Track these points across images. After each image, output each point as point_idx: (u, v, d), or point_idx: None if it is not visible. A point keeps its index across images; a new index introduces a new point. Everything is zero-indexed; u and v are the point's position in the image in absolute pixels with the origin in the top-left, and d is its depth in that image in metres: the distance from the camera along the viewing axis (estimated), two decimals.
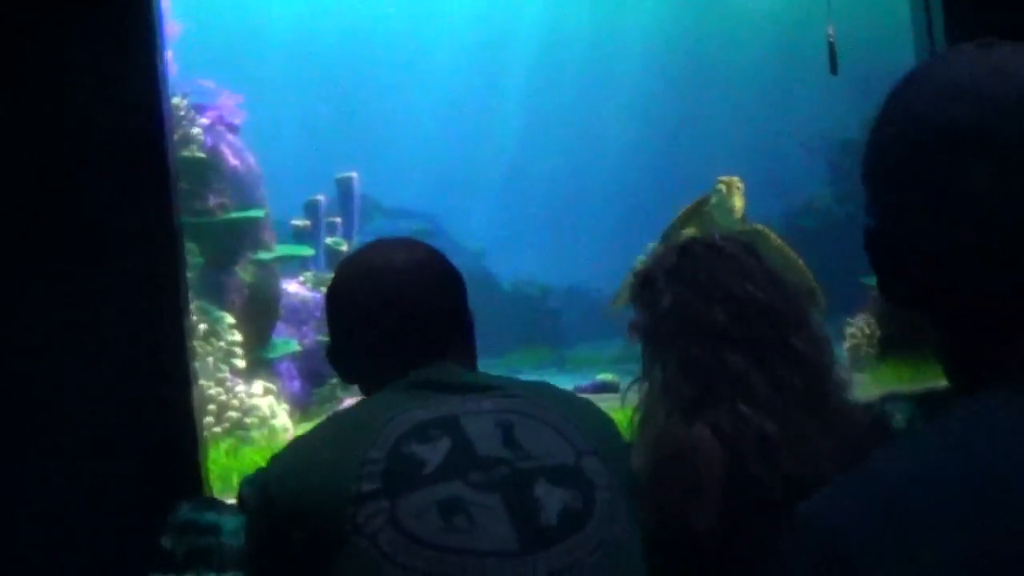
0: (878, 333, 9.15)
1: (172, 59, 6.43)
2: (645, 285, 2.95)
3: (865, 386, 7.00)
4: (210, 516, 4.23)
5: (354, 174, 12.12)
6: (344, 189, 12.04)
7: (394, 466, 2.06)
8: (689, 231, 8.60)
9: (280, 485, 2.11)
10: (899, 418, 4.88)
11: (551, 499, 2.08)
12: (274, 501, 2.10)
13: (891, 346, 8.69)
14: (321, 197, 11.51)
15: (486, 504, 2.04)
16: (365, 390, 2.40)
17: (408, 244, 2.46)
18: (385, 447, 2.09)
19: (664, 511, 2.65)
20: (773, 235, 8.88)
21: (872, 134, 1.42)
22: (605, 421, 2.35)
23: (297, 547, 2.05)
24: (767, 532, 1.41)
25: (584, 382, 11.11)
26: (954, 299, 1.35)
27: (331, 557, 2.01)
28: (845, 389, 2.87)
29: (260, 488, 2.16)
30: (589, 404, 2.41)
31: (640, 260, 9.00)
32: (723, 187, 8.42)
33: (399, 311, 2.32)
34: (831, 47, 6.24)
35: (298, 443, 2.25)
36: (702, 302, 2.80)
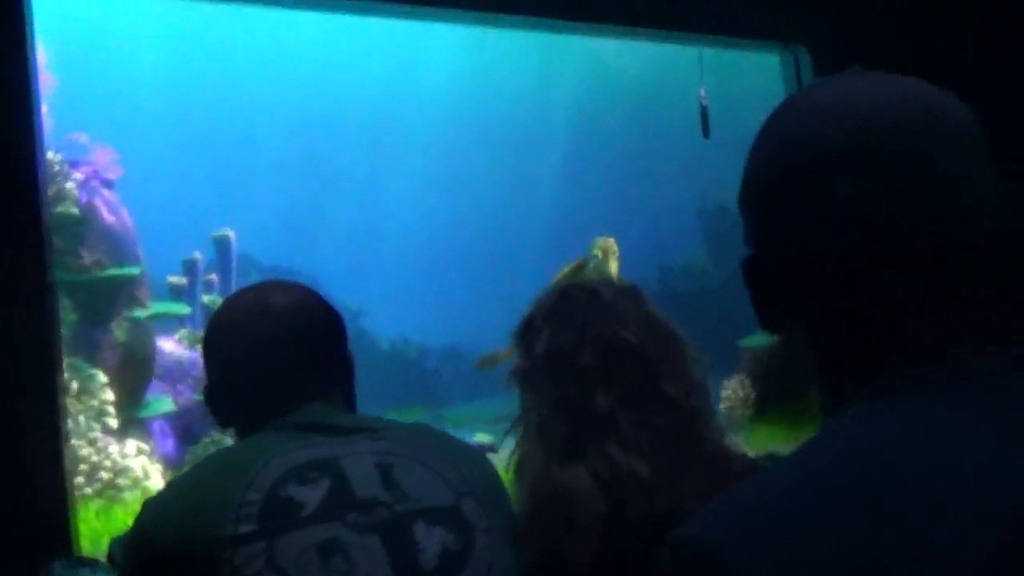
0: (752, 395, 9.27)
1: (47, 113, 6.35)
2: (524, 329, 2.97)
3: (741, 448, 7.04)
4: (84, 573, 4.15)
5: (231, 232, 12.05)
6: (221, 247, 11.96)
7: (272, 507, 2.04)
8: None
9: (157, 525, 2.08)
10: None
11: (430, 541, 2.09)
12: (151, 541, 2.07)
13: (765, 408, 8.80)
14: (198, 255, 11.42)
15: (365, 546, 2.04)
16: (242, 432, 2.38)
17: (286, 285, 2.45)
18: (263, 488, 2.06)
19: (542, 553, 2.65)
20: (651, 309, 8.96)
21: (747, 165, 1.47)
22: (484, 464, 2.36)
23: None
24: (641, 568, 1.42)
25: None
26: (825, 315, 1.38)
27: None
28: (722, 433, 2.90)
29: (138, 528, 2.12)
30: (468, 447, 2.44)
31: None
32: (599, 252, 8.50)
33: (276, 351, 2.31)
34: (704, 111, 6.33)
35: (175, 484, 2.21)
36: (574, 344, 2.82)
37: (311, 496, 2.08)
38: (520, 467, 2.92)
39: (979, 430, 1.21)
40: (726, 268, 17.32)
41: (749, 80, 8.82)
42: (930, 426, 1.22)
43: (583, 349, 2.81)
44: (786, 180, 1.38)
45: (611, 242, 8.57)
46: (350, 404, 2.43)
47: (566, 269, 8.85)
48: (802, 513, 1.18)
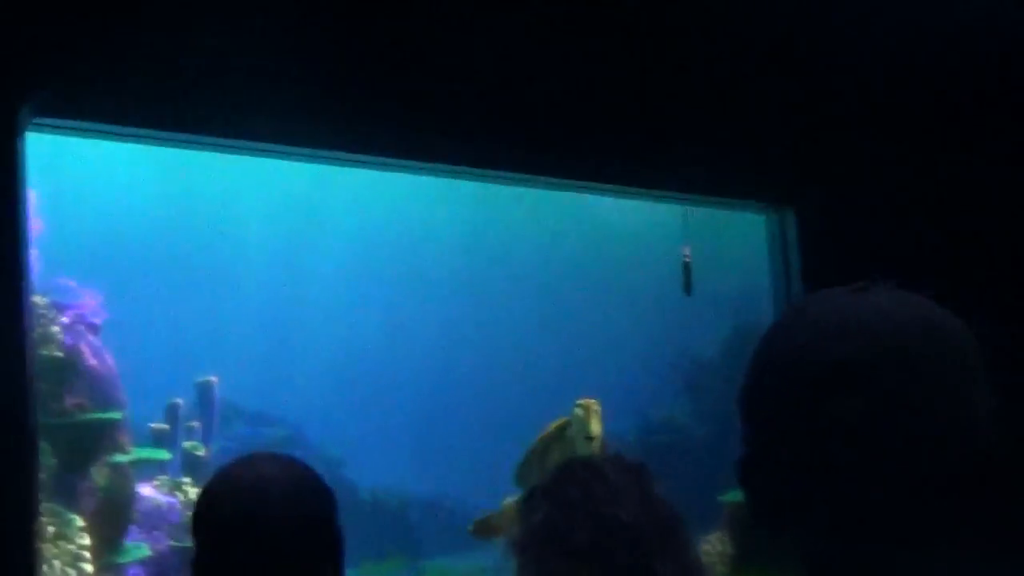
0: (730, 550, 9.21)
1: (36, 256, 6.39)
2: (525, 501, 2.97)
3: None
4: None
5: (214, 378, 12.03)
6: (204, 393, 11.92)
7: None
8: (553, 455, 8.64)
9: None
10: None
11: None
12: None
13: (744, 564, 8.75)
14: (180, 401, 11.38)
15: None
16: None
17: (276, 459, 2.43)
18: None
19: None
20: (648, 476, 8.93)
21: (752, 366, 1.48)
22: None
23: None
24: None
25: None
26: (823, 521, 1.39)
27: None
28: None
29: None
30: None
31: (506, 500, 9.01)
32: (581, 411, 8.48)
33: (264, 528, 2.29)
34: (686, 268, 6.39)
35: None
36: (568, 521, 2.81)
37: None
38: None
39: None
40: (707, 422, 17.30)
41: (732, 238, 8.90)
42: None
43: (576, 526, 2.80)
44: (781, 396, 1.41)
45: (593, 402, 8.54)
46: None
47: (550, 428, 8.82)
48: None
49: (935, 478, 1.32)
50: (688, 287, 6.39)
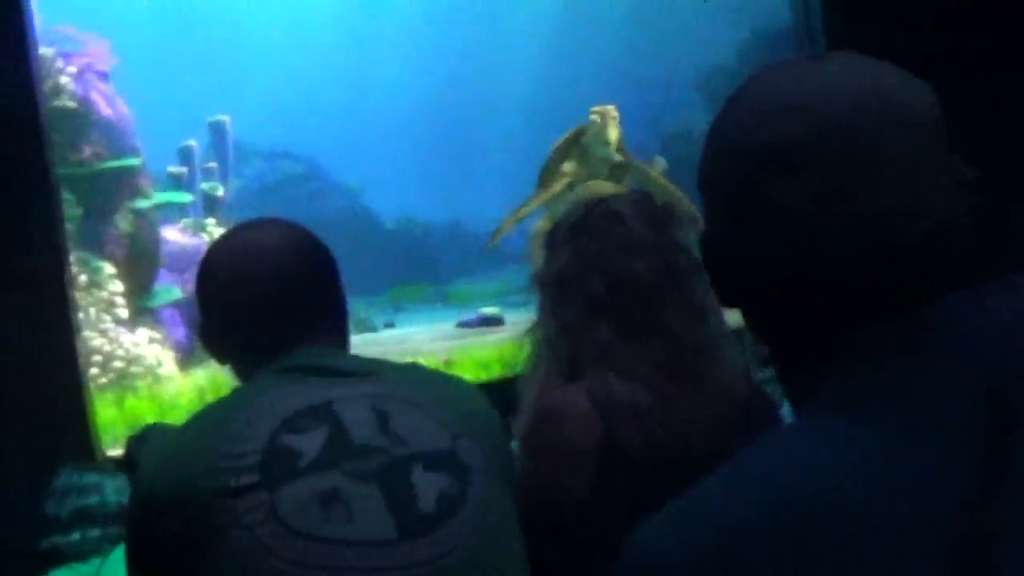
0: None
1: (35, 7, 6.33)
2: (549, 238, 3.00)
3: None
4: (91, 477, 4.22)
5: (226, 117, 12.00)
6: (217, 133, 11.93)
7: (272, 458, 2.06)
8: (568, 165, 8.67)
9: (158, 478, 2.10)
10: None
11: (428, 486, 2.11)
12: (153, 494, 2.09)
13: None
14: (194, 142, 11.38)
15: (364, 494, 2.06)
16: (238, 371, 2.40)
17: (278, 224, 2.43)
18: (261, 438, 2.09)
19: (538, 476, 2.68)
20: (653, 171, 8.97)
21: (705, 144, 1.46)
22: (480, 403, 2.38)
23: (176, 541, 2.03)
24: (637, 504, 1.45)
25: (468, 316, 11.15)
26: (773, 303, 1.39)
27: (210, 549, 2.00)
28: (723, 361, 2.89)
29: (139, 481, 2.15)
30: (464, 385, 2.45)
31: (521, 204, 9.06)
32: (597, 118, 8.44)
33: (268, 292, 2.31)
34: None
35: (174, 436, 2.22)
36: (585, 270, 2.85)
37: (309, 445, 2.09)
38: (525, 379, 2.96)
39: (907, 448, 1.25)
40: None
41: None
42: (863, 450, 1.25)
43: (592, 277, 2.83)
44: (727, 179, 1.38)
45: (611, 108, 8.47)
46: (344, 346, 2.43)
47: (565, 136, 8.80)
48: (751, 552, 1.21)
49: (887, 257, 1.30)
50: None
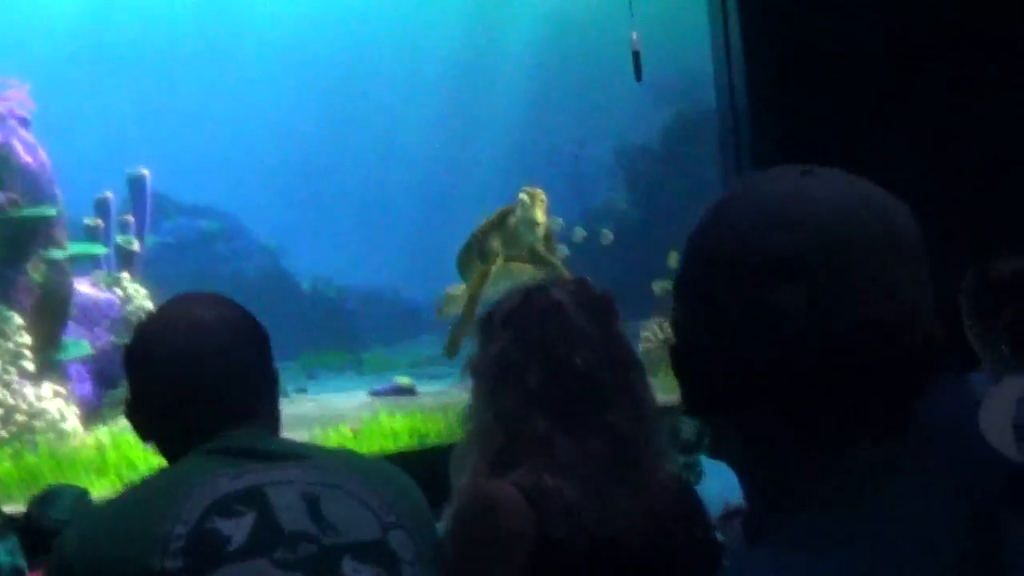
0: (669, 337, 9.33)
1: None
2: (484, 323, 2.93)
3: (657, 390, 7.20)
4: None
5: (145, 171, 11.85)
6: (136, 186, 11.76)
7: (199, 542, 2.02)
8: (494, 242, 8.68)
9: (81, 556, 2.05)
10: (687, 430, 4.93)
11: None
12: (73, 573, 2.04)
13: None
14: (110, 194, 11.22)
15: None
16: (164, 451, 2.33)
17: (211, 300, 2.39)
18: (190, 521, 2.04)
19: (468, 568, 2.61)
20: (565, 271, 9.01)
21: (689, 252, 1.44)
22: (410, 489, 2.35)
23: None
24: None
25: (381, 385, 11.12)
26: (759, 415, 1.37)
27: None
28: (660, 456, 2.85)
29: (61, 557, 2.09)
30: (394, 472, 2.40)
31: (454, 286, 9.08)
32: (526, 198, 8.48)
33: (204, 375, 2.26)
34: (636, 55, 6.32)
35: (99, 512, 2.19)
36: (523, 357, 2.78)
37: (237, 530, 2.05)
38: (455, 462, 2.90)
39: None
40: (645, 209, 17.42)
41: (673, 23, 8.82)
42: None
43: (532, 366, 2.76)
44: (727, 282, 1.37)
45: (539, 192, 8.55)
46: (275, 426, 2.38)
47: (492, 216, 8.83)
48: None
49: (877, 369, 1.31)
50: (638, 73, 6.33)
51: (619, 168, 19.26)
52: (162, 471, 2.26)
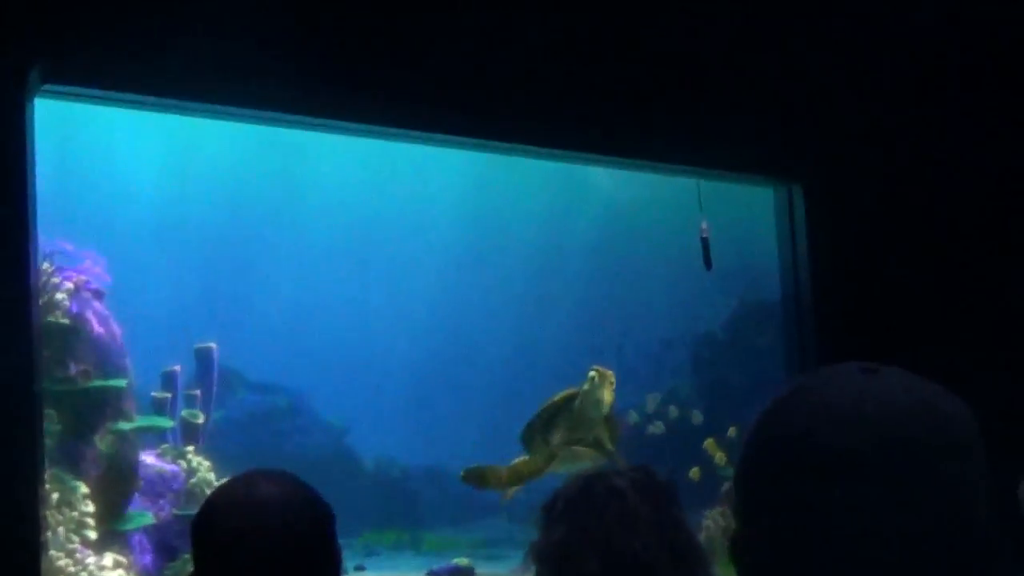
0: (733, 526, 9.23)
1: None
2: (547, 508, 2.95)
3: None
4: None
5: (213, 344, 11.97)
6: (203, 359, 11.86)
7: None
8: (558, 424, 8.65)
9: None
10: None
11: None
12: None
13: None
14: (177, 367, 11.32)
15: None
16: None
17: (276, 477, 2.42)
18: None
19: None
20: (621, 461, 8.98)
21: (750, 446, 1.46)
22: None
23: None
24: None
25: (439, 565, 11.05)
26: None
27: None
28: None
29: None
30: None
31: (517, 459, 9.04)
32: (595, 375, 8.48)
33: (263, 547, 2.28)
34: (705, 243, 6.35)
35: None
36: (582, 546, 2.79)
37: None
38: None
39: None
40: (710, 396, 17.35)
41: (739, 213, 8.89)
42: None
43: (589, 555, 2.78)
44: (791, 473, 1.38)
45: (609, 373, 8.54)
46: None
47: (556, 397, 8.82)
48: None
49: (932, 570, 1.31)
50: (708, 262, 6.36)
51: (685, 355, 19.25)
52: None
